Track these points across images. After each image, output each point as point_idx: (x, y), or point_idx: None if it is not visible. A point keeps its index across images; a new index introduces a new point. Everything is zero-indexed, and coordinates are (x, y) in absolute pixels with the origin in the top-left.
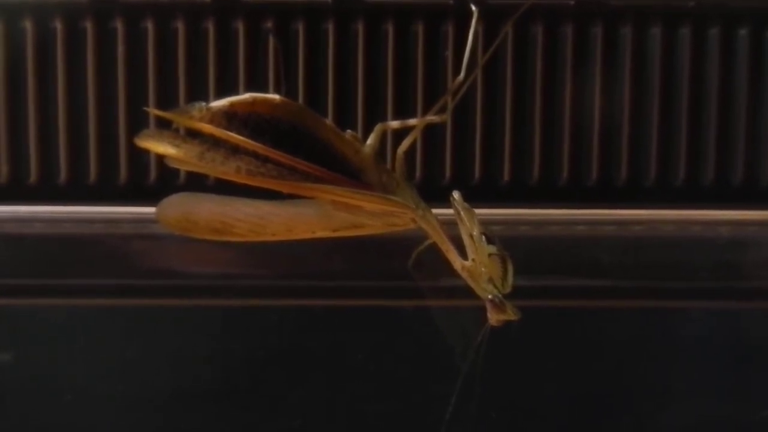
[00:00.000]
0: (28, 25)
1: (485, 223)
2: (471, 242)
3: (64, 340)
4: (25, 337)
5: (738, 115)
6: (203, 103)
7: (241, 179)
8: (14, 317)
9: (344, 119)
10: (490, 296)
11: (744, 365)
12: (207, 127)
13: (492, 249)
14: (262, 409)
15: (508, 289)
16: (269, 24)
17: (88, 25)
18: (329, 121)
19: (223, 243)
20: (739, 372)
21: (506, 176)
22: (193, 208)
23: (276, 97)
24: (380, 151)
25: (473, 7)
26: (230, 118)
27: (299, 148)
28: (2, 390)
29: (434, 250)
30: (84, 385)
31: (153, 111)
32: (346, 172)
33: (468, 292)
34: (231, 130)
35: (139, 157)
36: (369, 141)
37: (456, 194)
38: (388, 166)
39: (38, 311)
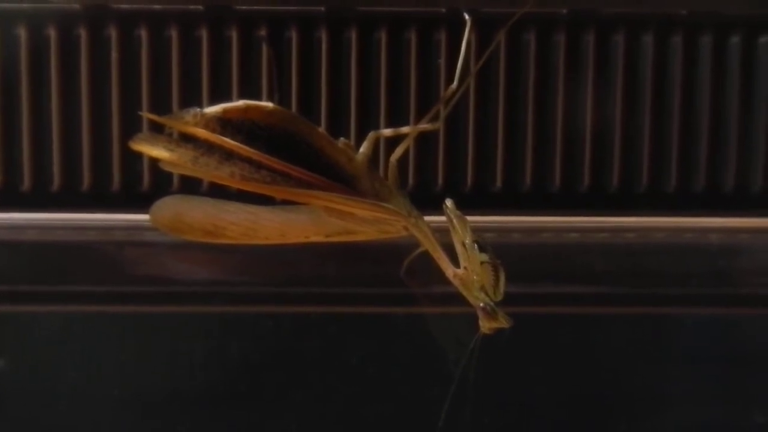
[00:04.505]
0: (22, 32)
1: (478, 231)
2: (463, 250)
3: (58, 346)
4: (19, 344)
5: (730, 123)
6: (197, 109)
7: (235, 184)
8: (8, 324)
9: (337, 127)
10: (481, 304)
11: (736, 372)
12: (201, 132)
13: (484, 257)
14: (256, 414)
15: (499, 297)
16: (262, 32)
17: (82, 33)
18: (322, 129)
19: (216, 246)
20: (732, 378)
21: (498, 184)
22: (187, 210)
23: (269, 104)
24: (373, 158)
25: (466, 16)
26: (224, 124)
27: (292, 155)
28: None
29: (426, 257)
30: (78, 392)
31: (147, 115)
32: (339, 179)
33: (460, 299)
34: (225, 136)
35: (132, 164)
36: (362, 149)
37: (449, 202)
38: (381, 173)
39: (32, 318)
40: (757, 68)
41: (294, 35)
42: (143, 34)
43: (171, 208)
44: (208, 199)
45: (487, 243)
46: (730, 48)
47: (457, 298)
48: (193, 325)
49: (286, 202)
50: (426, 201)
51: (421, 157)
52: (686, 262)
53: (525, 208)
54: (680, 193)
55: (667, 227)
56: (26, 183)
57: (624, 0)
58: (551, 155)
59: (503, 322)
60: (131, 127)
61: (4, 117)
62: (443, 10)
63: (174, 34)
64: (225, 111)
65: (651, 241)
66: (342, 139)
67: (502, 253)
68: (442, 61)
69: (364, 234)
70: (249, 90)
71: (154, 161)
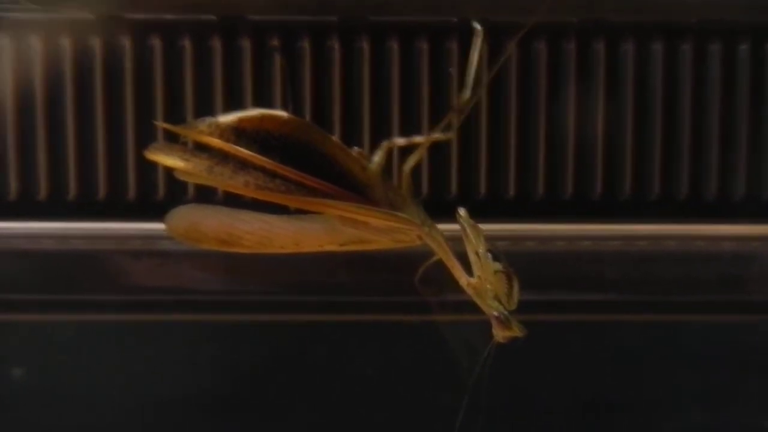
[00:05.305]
0: (36, 42)
1: (491, 239)
2: (477, 259)
3: (73, 355)
4: (35, 353)
5: (740, 130)
6: (212, 119)
7: (250, 193)
8: (24, 332)
9: (351, 136)
10: (495, 313)
11: (748, 379)
12: (216, 142)
13: (498, 266)
14: (269, 423)
15: (513, 306)
16: (275, 42)
17: (96, 42)
18: (336, 138)
19: (231, 255)
20: (744, 385)
21: (511, 192)
22: (202, 219)
23: (283, 114)
24: (386, 167)
25: (477, 25)
26: (239, 133)
27: (306, 164)
28: (11, 404)
29: (440, 265)
30: (92, 400)
31: (162, 125)
32: (352, 188)
33: (474, 308)
34: (239, 146)
35: (147, 173)
36: (375, 158)
37: (462, 211)
38: (395, 182)
39: (47, 327)
40: (767, 75)
41: (307, 45)
42: (157, 43)
43: (186, 217)
44: (222, 208)
45: (501, 252)
46: (740, 55)
47: (471, 307)
48: (209, 333)
49: (300, 211)
50: (439, 210)
51: (435, 166)
52: (698, 269)
53: (538, 217)
54: (692, 201)
55: (678, 235)
56: (42, 192)
57: (633, 8)
58: (563, 163)
59: (517, 331)
60: (146, 136)
61: (20, 126)
62: (455, 19)
63: (187, 44)
64: (240, 120)
65: (663, 248)
66: (355, 148)
67: (515, 261)
68: (453, 70)
69: (378, 243)
70: (262, 99)
71: (169, 171)
